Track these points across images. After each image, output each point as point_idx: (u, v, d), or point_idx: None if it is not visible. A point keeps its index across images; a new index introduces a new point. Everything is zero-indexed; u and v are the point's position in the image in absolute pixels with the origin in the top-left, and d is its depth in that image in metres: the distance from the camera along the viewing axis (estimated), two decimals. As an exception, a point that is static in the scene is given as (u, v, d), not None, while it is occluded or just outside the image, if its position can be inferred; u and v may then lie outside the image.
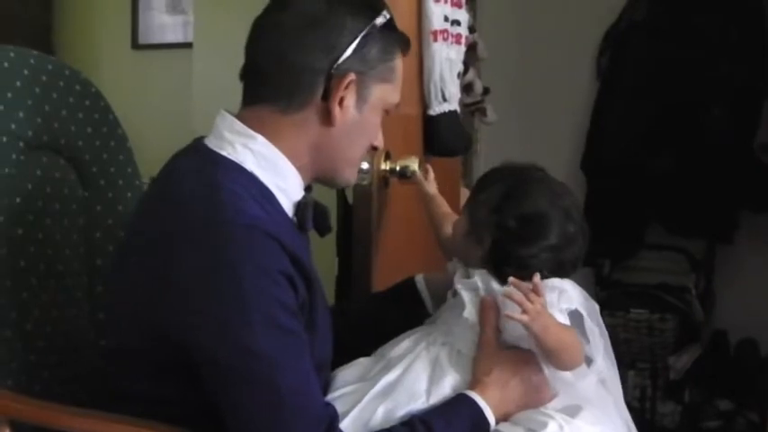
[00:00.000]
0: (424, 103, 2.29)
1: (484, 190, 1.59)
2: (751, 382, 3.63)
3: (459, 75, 2.40)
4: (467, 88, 3.00)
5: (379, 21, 1.47)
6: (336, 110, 1.45)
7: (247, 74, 1.50)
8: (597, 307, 1.53)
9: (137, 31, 4.83)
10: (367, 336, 1.63)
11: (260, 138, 1.44)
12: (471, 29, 2.78)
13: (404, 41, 1.54)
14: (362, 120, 1.49)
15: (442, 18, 2.31)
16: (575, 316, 1.49)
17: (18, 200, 1.69)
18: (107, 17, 4.88)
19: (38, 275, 1.72)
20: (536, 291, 1.43)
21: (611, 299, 3.60)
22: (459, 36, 2.39)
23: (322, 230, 1.56)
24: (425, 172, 1.98)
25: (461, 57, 2.42)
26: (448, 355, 1.51)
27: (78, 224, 1.82)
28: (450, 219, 1.81)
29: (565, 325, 1.46)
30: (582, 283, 1.54)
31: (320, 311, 1.47)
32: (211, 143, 1.46)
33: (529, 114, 4.00)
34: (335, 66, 1.43)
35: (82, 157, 1.82)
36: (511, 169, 1.62)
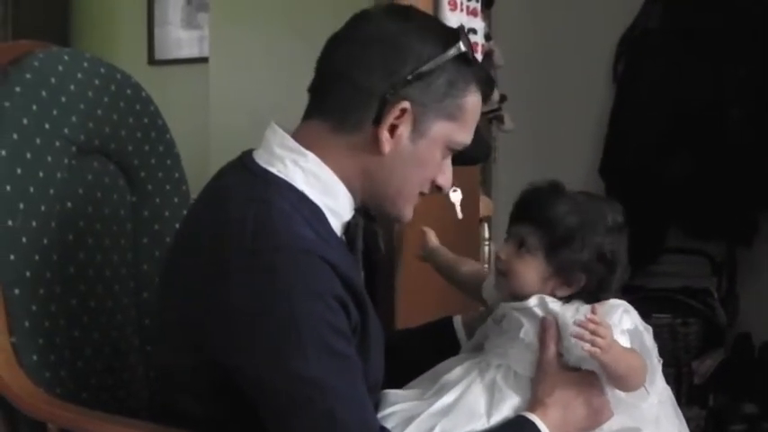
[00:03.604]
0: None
1: (555, 228, 1.46)
2: (776, 385, 3.61)
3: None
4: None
5: (452, 52, 1.39)
6: (385, 137, 1.38)
7: (312, 89, 1.45)
8: (650, 328, 1.51)
9: (153, 47, 4.86)
10: (397, 371, 1.54)
11: (311, 155, 1.40)
12: (487, 37, 2.79)
13: (482, 79, 1.45)
14: (417, 153, 1.41)
15: (458, 26, 2.31)
16: (634, 334, 1.45)
17: (69, 205, 1.69)
18: (123, 33, 4.91)
19: (87, 281, 1.72)
20: (597, 322, 1.37)
21: (633, 304, 3.55)
22: (475, 44, 2.39)
23: (372, 253, 1.54)
24: (422, 233, 1.87)
25: (478, 65, 2.43)
26: (504, 377, 1.46)
27: (126, 229, 1.82)
28: (461, 260, 1.77)
29: (629, 349, 1.42)
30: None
31: (372, 333, 1.43)
32: (261, 158, 1.41)
33: (546, 121, 3.99)
34: (392, 91, 1.37)
35: (131, 162, 1.82)
36: (552, 192, 1.50)
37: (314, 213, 1.38)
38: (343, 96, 1.40)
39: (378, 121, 1.38)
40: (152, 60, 4.87)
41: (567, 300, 1.46)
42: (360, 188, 1.44)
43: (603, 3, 3.92)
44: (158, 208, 1.87)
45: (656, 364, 1.49)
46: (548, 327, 1.44)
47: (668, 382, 1.55)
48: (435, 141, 1.42)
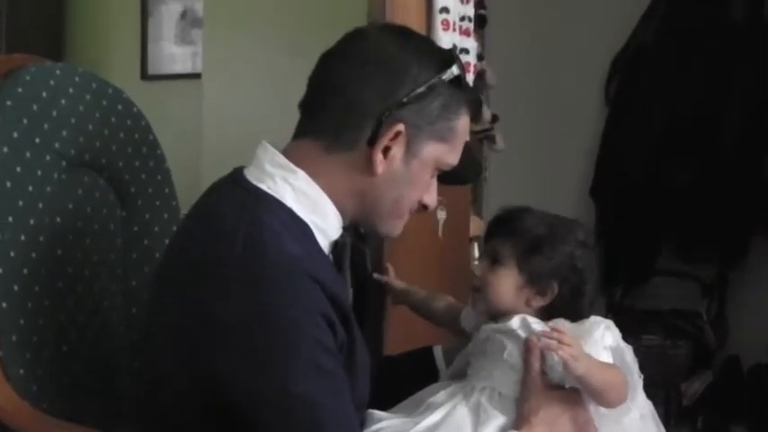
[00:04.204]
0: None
1: (525, 238, 1.49)
2: (764, 407, 3.61)
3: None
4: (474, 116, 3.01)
5: (446, 75, 1.40)
6: (379, 158, 1.39)
7: (303, 105, 1.46)
8: (630, 346, 1.51)
9: (146, 62, 4.86)
10: (376, 398, 1.52)
11: (301, 173, 1.40)
12: (480, 57, 2.80)
13: (472, 103, 1.48)
14: (409, 174, 1.42)
15: (451, 46, 2.32)
16: (615, 351, 1.46)
17: (59, 219, 1.68)
18: (117, 48, 4.91)
19: (75, 296, 1.71)
20: (561, 331, 1.40)
21: (623, 325, 3.51)
22: (467, 64, 2.40)
23: (359, 272, 1.53)
24: (386, 270, 1.90)
25: (470, 85, 2.44)
26: (489, 398, 1.46)
27: (116, 245, 1.82)
28: (434, 297, 1.78)
29: (608, 363, 1.43)
30: (594, 310, 1.53)
31: (359, 351, 1.42)
32: (252, 175, 1.42)
33: (538, 141, 4.00)
34: (387, 112, 1.38)
35: (121, 177, 1.82)
36: (522, 210, 1.54)
37: (302, 231, 1.38)
38: (337, 115, 1.40)
39: (372, 142, 1.38)
40: (145, 75, 4.86)
41: (548, 319, 1.46)
42: (350, 207, 1.44)
43: (596, 23, 3.94)
44: (148, 223, 1.87)
45: (636, 379, 1.50)
46: (532, 347, 1.44)
47: (657, 404, 1.56)
48: (426, 162, 1.43)
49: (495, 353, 1.48)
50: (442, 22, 2.37)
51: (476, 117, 1.49)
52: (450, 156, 1.46)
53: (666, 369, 3.52)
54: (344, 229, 1.47)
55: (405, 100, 1.38)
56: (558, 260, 1.48)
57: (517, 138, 3.50)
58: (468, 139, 1.50)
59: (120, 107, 1.82)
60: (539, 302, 1.49)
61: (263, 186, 1.39)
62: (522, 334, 1.46)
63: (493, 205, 3.66)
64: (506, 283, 1.50)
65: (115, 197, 1.82)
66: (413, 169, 1.42)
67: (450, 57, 1.44)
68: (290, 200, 1.39)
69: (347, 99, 1.39)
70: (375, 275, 1.83)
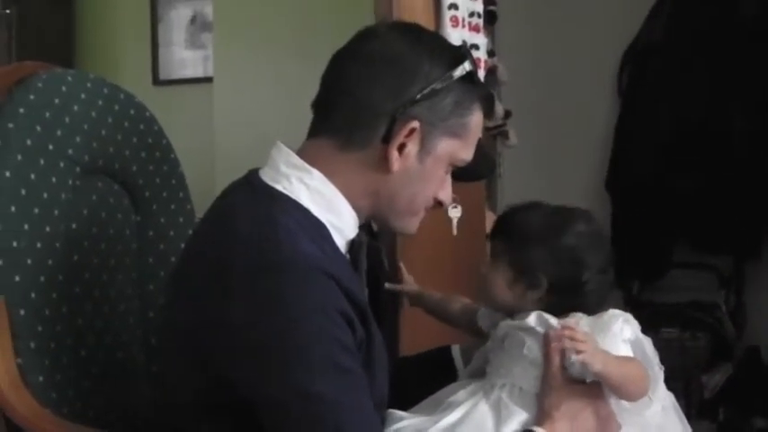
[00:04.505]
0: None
1: (515, 234, 1.53)
2: (786, 398, 3.60)
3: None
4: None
5: (458, 72, 1.41)
6: (394, 156, 1.40)
7: (316, 105, 1.46)
8: (649, 339, 1.51)
9: (157, 67, 4.88)
10: (394, 400, 1.52)
11: (316, 172, 1.41)
12: (491, 53, 2.79)
13: (485, 99, 1.48)
14: (423, 171, 1.43)
15: (460, 42, 2.32)
16: (635, 344, 1.46)
17: (74, 225, 1.69)
18: (127, 53, 4.94)
19: (92, 301, 1.72)
20: (571, 328, 1.40)
21: (642, 319, 3.50)
22: (478, 60, 2.39)
23: (375, 270, 1.53)
24: (399, 270, 1.90)
25: (481, 81, 2.43)
26: (509, 394, 1.46)
27: (131, 249, 1.82)
28: (449, 299, 1.79)
29: (626, 357, 1.43)
30: (611, 304, 1.53)
31: (377, 350, 1.43)
32: (266, 176, 1.42)
33: (551, 136, 3.99)
34: (402, 110, 1.38)
35: (135, 182, 1.83)
36: (525, 207, 1.56)
37: (318, 230, 1.38)
38: (350, 114, 1.41)
39: (387, 140, 1.39)
40: (156, 81, 4.89)
41: (564, 313, 1.46)
42: (366, 205, 1.44)
43: (607, 17, 3.92)
44: (163, 227, 1.87)
45: (657, 372, 1.49)
46: (551, 341, 1.44)
47: (677, 397, 1.56)
48: (441, 159, 1.44)
49: (515, 349, 1.48)
50: (451, 19, 2.37)
51: (488, 113, 1.49)
52: (464, 151, 1.46)
53: (686, 362, 3.51)
54: (360, 227, 1.48)
55: (418, 97, 1.39)
56: (544, 252, 1.48)
57: (530, 133, 3.50)
58: (481, 135, 1.50)
59: (132, 112, 1.82)
60: (534, 296, 1.49)
61: (279, 187, 1.40)
62: (541, 330, 1.46)
63: (507, 201, 3.66)
64: (499, 279, 1.52)
65: (130, 202, 1.83)
66: (427, 166, 1.43)
67: (461, 53, 1.45)
68: (305, 199, 1.39)
69: (357, 98, 1.40)
70: (387, 285, 1.83)
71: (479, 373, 1.56)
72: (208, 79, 3.99)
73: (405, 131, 1.39)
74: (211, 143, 3.46)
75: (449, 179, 1.50)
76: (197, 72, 4.73)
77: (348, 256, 1.46)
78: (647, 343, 1.49)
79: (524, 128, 3.27)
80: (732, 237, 3.69)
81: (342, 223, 1.42)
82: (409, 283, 1.87)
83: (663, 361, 1.52)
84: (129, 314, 1.81)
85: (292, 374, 1.27)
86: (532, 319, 1.47)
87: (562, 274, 1.48)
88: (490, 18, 2.83)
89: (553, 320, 1.46)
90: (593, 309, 1.48)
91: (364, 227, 1.51)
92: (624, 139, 3.86)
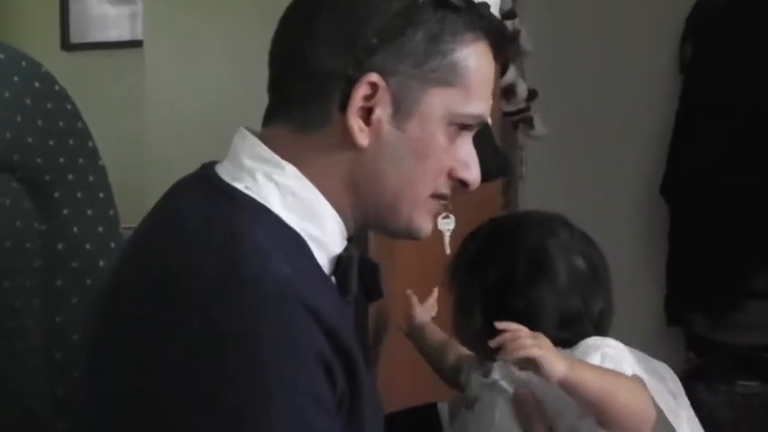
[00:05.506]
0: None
1: (451, 263, 1.67)
2: None
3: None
4: (506, 92, 3.03)
5: None
6: (357, 125, 1.41)
7: (269, 86, 1.49)
8: (666, 367, 1.55)
9: (67, 27, 4.87)
10: None
11: (289, 167, 1.42)
12: (508, 14, 2.82)
13: (479, 25, 1.46)
14: (409, 139, 1.43)
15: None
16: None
17: (-45, 236, 1.71)
18: (27, 12, 4.93)
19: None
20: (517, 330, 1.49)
21: (710, 367, 3.57)
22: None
23: (371, 295, 1.54)
24: (409, 298, 1.99)
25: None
26: None
27: (33, 268, 1.83)
28: (449, 344, 1.86)
29: (611, 370, 1.50)
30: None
31: (366, 403, 1.42)
32: (225, 172, 1.44)
33: (589, 124, 3.99)
34: (354, 64, 1.39)
35: (40, 179, 1.81)
36: (487, 224, 1.71)
37: (294, 244, 1.39)
38: (301, 85, 1.44)
39: (344, 107, 1.41)
40: (67, 45, 4.89)
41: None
42: (349, 204, 1.46)
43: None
44: (77, 239, 1.86)
45: (674, 409, 1.57)
46: (522, 403, 1.52)
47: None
48: (431, 119, 1.44)
49: (486, 414, 1.58)
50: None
51: (498, 44, 1.50)
52: (467, 102, 1.46)
53: (771, 423, 3.53)
54: (349, 240, 1.49)
55: (374, 41, 1.40)
56: (472, 282, 1.63)
57: (561, 120, 3.52)
58: (491, 77, 1.51)
59: (37, 85, 1.81)
60: (475, 333, 1.61)
61: (241, 186, 1.42)
62: (507, 387, 1.54)
63: (531, 208, 3.64)
64: (451, 315, 1.67)
65: (32, 205, 1.83)
66: (412, 132, 1.44)
67: None
68: (275, 203, 1.41)
69: (306, 64, 1.42)
70: (401, 330, 1.93)
71: None
72: (136, 43, 3.99)
73: (363, 90, 1.40)
74: (142, 127, 3.46)
75: (465, 145, 1.50)
76: (122, 34, 4.74)
77: (334, 278, 1.47)
78: (663, 372, 1.58)
79: (554, 113, 3.30)
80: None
81: (324, 234, 1.44)
82: (419, 311, 1.95)
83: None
84: (29, 355, 1.81)
85: (248, 427, 1.26)
86: (496, 372, 1.57)
87: (491, 303, 1.61)
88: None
89: (519, 372, 1.54)
90: (567, 339, 1.57)
91: (352, 238, 1.51)
92: (688, 128, 3.88)
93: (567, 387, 1.45)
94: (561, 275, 1.61)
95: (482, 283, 1.58)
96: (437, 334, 1.90)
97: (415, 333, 1.92)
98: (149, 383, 1.30)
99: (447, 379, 1.85)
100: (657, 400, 1.53)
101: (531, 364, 1.45)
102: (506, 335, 1.46)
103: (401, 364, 2.19)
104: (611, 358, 1.52)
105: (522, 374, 1.52)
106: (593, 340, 1.54)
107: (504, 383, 1.53)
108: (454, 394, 1.81)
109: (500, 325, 1.48)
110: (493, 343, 1.48)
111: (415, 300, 1.96)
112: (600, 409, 1.47)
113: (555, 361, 1.44)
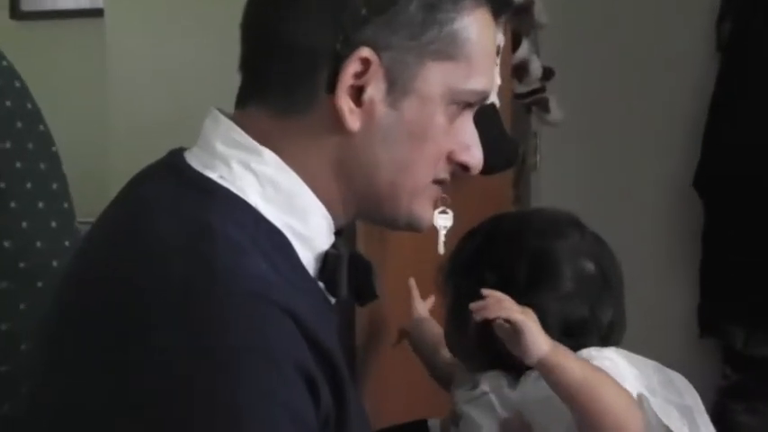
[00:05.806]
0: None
1: (453, 257, 1.71)
2: None
3: (498, 50, 2.42)
4: (518, 71, 3.02)
5: None
6: (348, 106, 1.40)
7: (241, 65, 1.48)
8: (683, 380, 1.57)
9: (17, -7, 4.89)
10: None
11: (268, 154, 1.42)
12: (523, -19, 2.81)
13: None
14: (405, 119, 1.43)
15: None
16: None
17: None
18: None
19: None
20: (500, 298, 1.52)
21: (750, 385, 3.58)
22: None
23: (363, 297, 1.53)
24: (411, 289, 2.02)
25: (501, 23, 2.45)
26: None
27: None
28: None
29: (597, 367, 1.52)
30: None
31: (354, 422, 1.41)
32: (196, 160, 1.43)
33: (611, 109, 4.01)
34: (342, 38, 1.38)
35: None
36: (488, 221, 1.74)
37: (273, 241, 1.39)
38: (279, 64, 1.43)
39: (332, 87, 1.39)
40: (17, 13, 4.89)
41: (522, 373, 1.57)
42: (338, 195, 1.46)
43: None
44: (26, 236, 1.86)
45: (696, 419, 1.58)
46: (510, 429, 1.55)
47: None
48: (429, 97, 1.44)
49: None
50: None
51: (500, 11, 1.49)
52: (469, 77, 1.46)
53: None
54: (337, 234, 1.49)
55: (364, 12, 1.38)
56: (467, 286, 1.63)
57: (580, 103, 3.52)
58: (494, 49, 1.50)
59: (-23, 59, 1.82)
60: (467, 342, 1.63)
61: (214, 176, 1.41)
62: (495, 400, 1.56)
63: (546, 202, 3.66)
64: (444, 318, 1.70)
65: (-27, 198, 1.83)
66: (409, 111, 1.43)
67: None
68: (253, 195, 1.40)
69: (288, 39, 1.41)
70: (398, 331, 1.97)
71: None
72: (96, 12, 3.99)
73: (354, 67, 1.39)
74: (103, 107, 3.46)
75: (465, 125, 1.50)
76: (80, 2, 4.74)
77: (319, 279, 1.46)
78: (677, 386, 1.59)
79: (572, 95, 3.29)
80: None
81: (309, 229, 1.43)
82: (420, 305, 1.98)
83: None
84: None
85: None
86: (484, 385, 1.59)
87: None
88: None
89: (509, 391, 1.58)
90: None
91: (340, 233, 1.51)
92: (726, 113, 3.88)
93: (546, 369, 1.47)
94: (566, 280, 1.63)
95: (478, 286, 1.57)
96: (435, 328, 1.92)
97: (415, 326, 1.95)
98: (112, 406, 1.28)
99: (440, 379, 1.88)
100: (666, 420, 1.54)
101: (513, 335, 1.46)
102: (490, 298, 1.50)
103: (391, 377, 2.21)
104: (610, 372, 1.53)
105: (512, 395, 1.54)
106: (589, 351, 1.56)
107: (492, 397, 1.54)
108: (447, 410, 1.80)
109: (486, 291, 1.52)
110: (474, 306, 1.50)
111: (416, 291, 2.00)
112: (580, 404, 1.48)
113: (538, 335, 1.46)
